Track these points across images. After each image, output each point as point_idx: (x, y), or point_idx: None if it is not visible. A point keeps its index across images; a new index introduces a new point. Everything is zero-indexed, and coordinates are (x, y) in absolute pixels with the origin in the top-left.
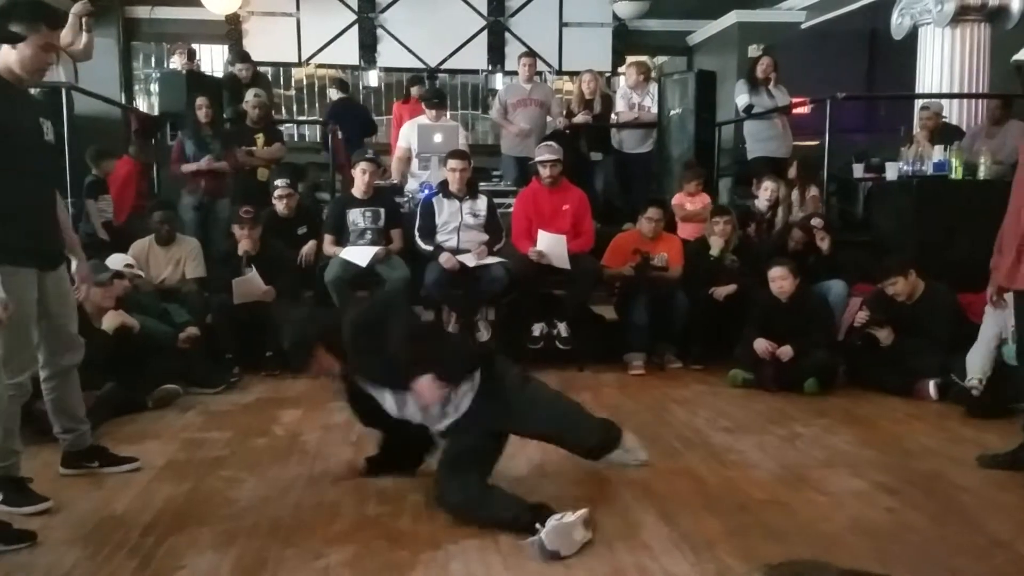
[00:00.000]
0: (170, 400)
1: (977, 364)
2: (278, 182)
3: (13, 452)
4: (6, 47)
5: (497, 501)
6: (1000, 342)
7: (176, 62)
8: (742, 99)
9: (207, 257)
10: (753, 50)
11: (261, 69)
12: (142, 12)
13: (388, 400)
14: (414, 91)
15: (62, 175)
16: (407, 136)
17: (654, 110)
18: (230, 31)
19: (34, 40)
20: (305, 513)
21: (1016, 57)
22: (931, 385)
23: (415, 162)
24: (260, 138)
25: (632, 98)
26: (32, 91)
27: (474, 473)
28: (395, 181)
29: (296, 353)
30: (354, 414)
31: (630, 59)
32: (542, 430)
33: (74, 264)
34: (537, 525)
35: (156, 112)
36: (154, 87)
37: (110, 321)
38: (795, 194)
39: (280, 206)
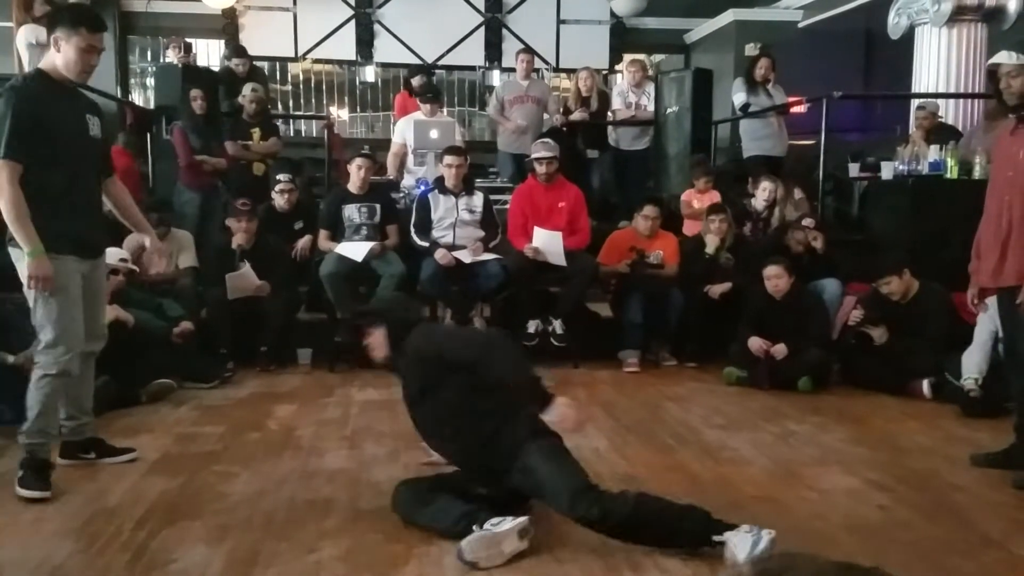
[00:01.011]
0: (164, 394)
1: (973, 364)
2: (280, 176)
3: (47, 433)
4: (52, 49)
5: (437, 507)
6: (996, 341)
7: (172, 56)
8: (739, 97)
9: (206, 251)
10: (750, 48)
11: (257, 64)
12: (138, 6)
13: None
14: (415, 81)
15: (109, 168)
16: (402, 132)
17: (651, 108)
18: (226, 25)
19: (75, 42)
20: (298, 507)
21: (992, 60)
22: (925, 384)
23: (410, 158)
24: (256, 132)
25: (629, 96)
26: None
27: (426, 481)
28: (391, 177)
29: (347, 321)
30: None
31: (630, 57)
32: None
33: (147, 241)
34: (474, 527)
35: (152, 106)
36: (150, 81)
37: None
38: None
39: (280, 200)
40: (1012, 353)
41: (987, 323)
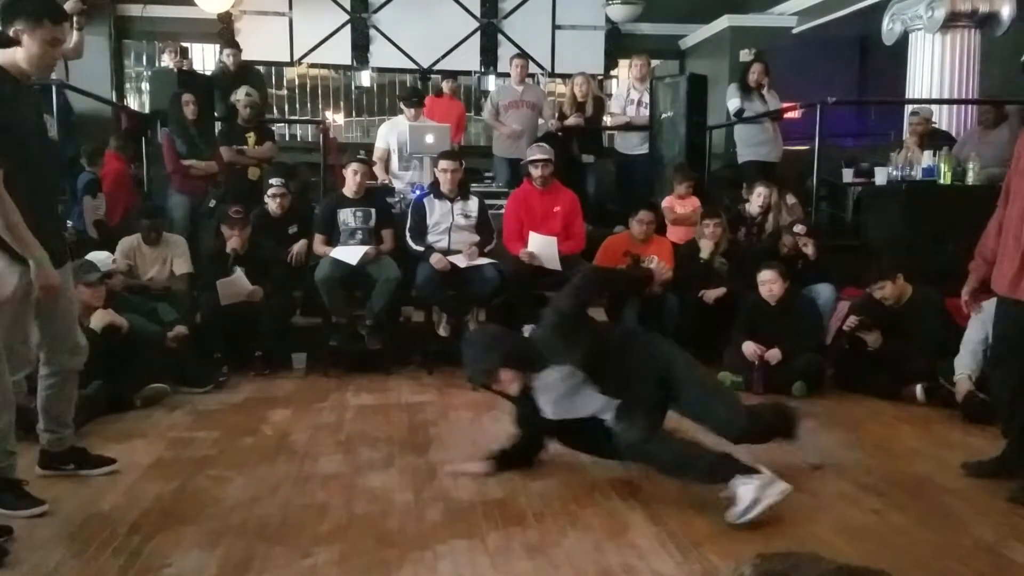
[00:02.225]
0: (158, 399)
1: (964, 364)
2: (273, 181)
3: (8, 453)
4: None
5: (693, 455)
6: (987, 346)
7: (167, 60)
8: (733, 103)
9: (196, 255)
10: (745, 54)
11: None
12: (134, 10)
13: (549, 407)
14: (444, 86)
15: (63, 171)
16: (385, 136)
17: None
18: (222, 30)
19: (39, 35)
20: (293, 512)
21: None
22: (918, 388)
23: (395, 162)
24: (251, 137)
25: (631, 93)
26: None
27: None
28: (385, 181)
29: (479, 376)
30: (514, 419)
31: (633, 56)
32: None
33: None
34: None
35: (147, 110)
36: (145, 85)
37: (98, 320)
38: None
39: (273, 205)
40: (1000, 360)
41: (979, 327)
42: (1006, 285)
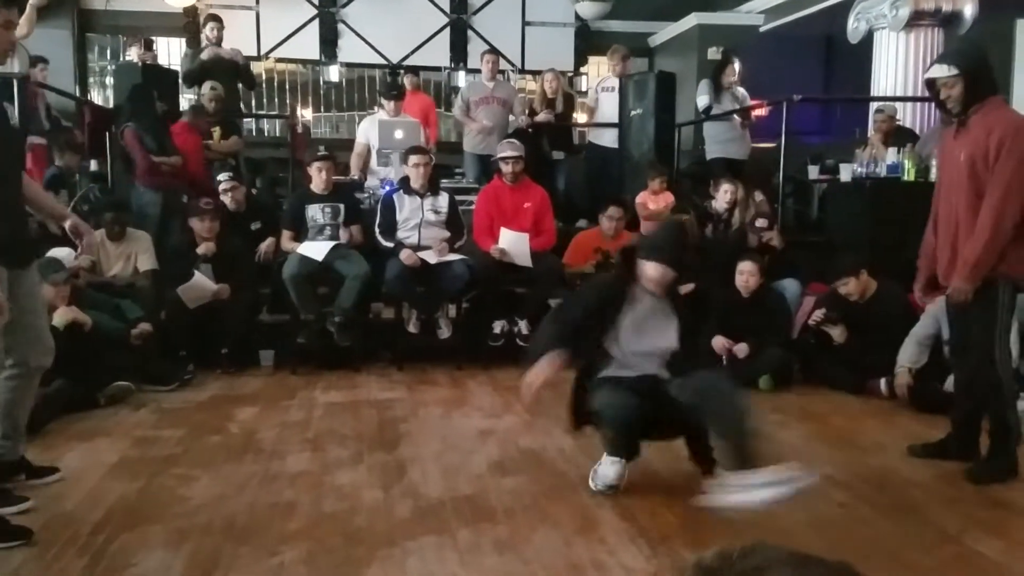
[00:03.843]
0: (122, 397)
1: (906, 355)
2: (220, 177)
3: None
4: None
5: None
6: (933, 342)
7: (133, 54)
8: (702, 100)
9: (165, 252)
10: (713, 52)
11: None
12: (98, 3)
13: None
14: (406, 81)
15: (23, 161)
16: (365, 132)
17: None
18: (187, 24)
19: None
20: (260, 511)
21: (927, 75)
22: (883, 382)
23: (374, 158)
24: (217, 131)
25: (610, 80)
26: None
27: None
28: (355, 177)
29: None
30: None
31: (613, 47)
32: None
33: (67, 224)
34: None
35: (111, 105)
36: (109, 80)
37: (61, 317)
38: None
39: (227, 200)
40: (957, 350)
41: (930, 323)
42: (941, 275)
